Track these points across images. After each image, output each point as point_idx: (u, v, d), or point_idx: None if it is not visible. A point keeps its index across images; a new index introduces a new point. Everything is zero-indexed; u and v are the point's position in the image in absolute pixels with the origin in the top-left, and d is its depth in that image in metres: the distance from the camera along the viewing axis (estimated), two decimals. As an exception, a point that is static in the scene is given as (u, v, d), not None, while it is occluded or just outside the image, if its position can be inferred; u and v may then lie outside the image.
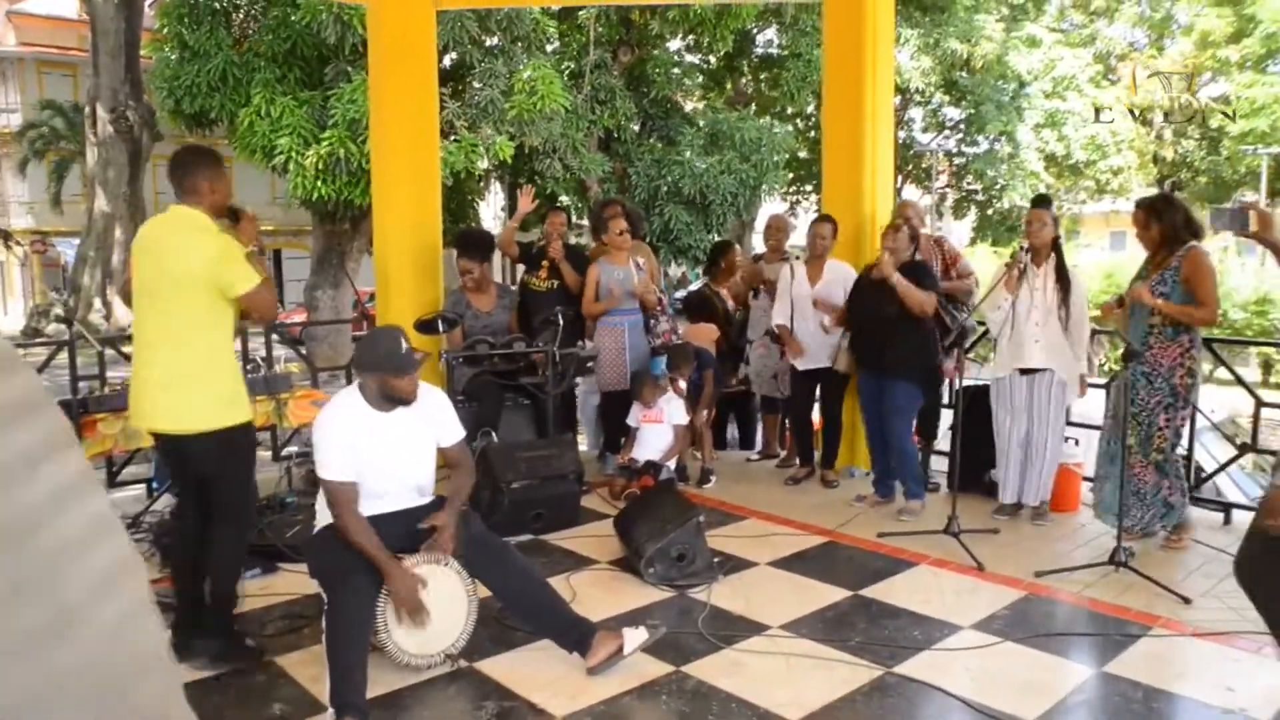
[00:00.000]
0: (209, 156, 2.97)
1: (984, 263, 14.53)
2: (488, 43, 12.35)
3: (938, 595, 3.51)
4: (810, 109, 19.61)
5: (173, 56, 11.62)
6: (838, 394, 5.05)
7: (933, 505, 4.58)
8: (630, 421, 5.05)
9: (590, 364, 5.26)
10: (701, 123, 15.79)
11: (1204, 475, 4.86)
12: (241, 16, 12.16)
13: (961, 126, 22.33)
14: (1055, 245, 4.29)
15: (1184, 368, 3.85)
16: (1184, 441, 4.18)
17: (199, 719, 0.90)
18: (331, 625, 2.62)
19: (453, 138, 11.18)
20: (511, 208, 15.18)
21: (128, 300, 3.22)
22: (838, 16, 5.35)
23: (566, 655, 2.89)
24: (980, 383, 4.79)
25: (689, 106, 17.80)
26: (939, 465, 5.20)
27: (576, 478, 4.49)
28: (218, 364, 2.90)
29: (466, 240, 5.35)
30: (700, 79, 18.38)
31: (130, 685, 0.72)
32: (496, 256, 5.69)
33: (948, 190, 25.00)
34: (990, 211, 23.05)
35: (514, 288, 5.78)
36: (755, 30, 17.84)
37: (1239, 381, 4.79)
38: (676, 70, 16.17)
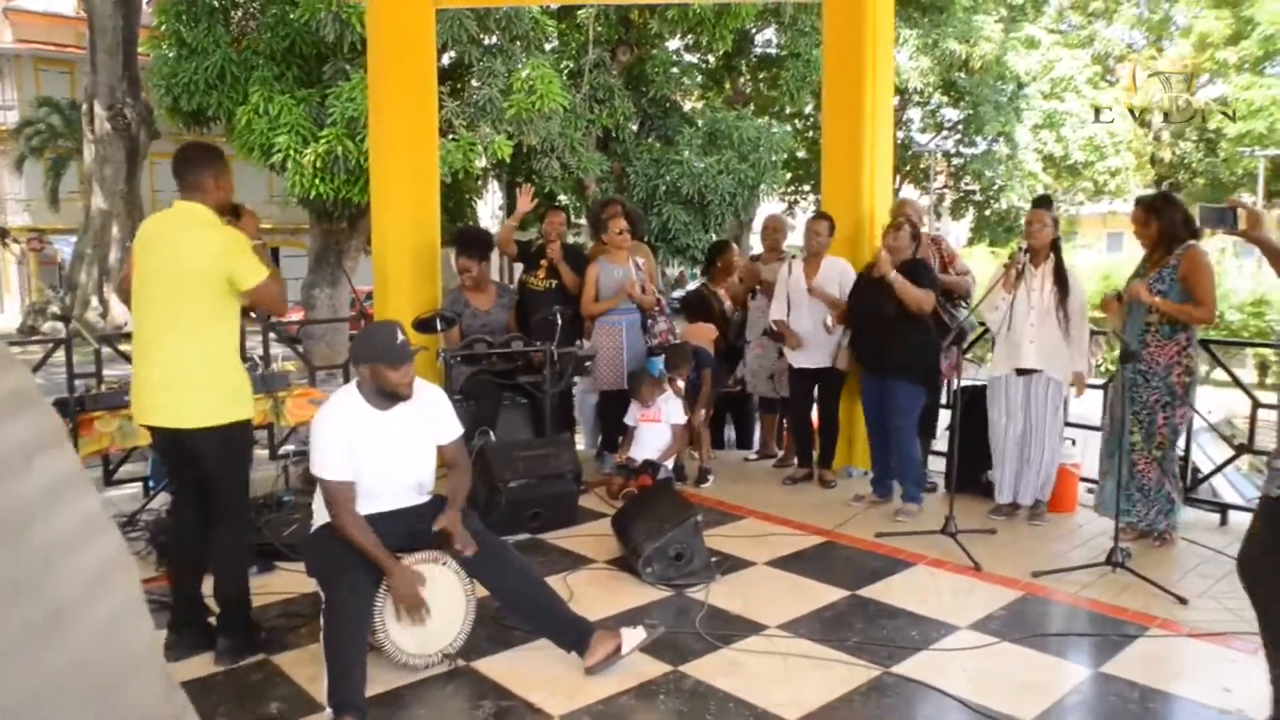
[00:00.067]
0: (214, 153, 2.98)
1: (981, 263, 14.53)
2: (486, 41, 12.34)
3: (935, 595, 3.51)
4: (809, 109, 19.60)
5: (170, 54, 11.59)
6: (835, 393, 5.05)
7: (930, 505, 4.58)
8: (628, 421, 5.05)
9: (588, 364, 5.26)
10: (700, 122, 15.79)
11: (1200, 476, 4.87)
12: (240, 14, 12.13)
13: (960, 127, 22.33)
14: (1055, 246, 4.30)
15: (1181, 365, 3.87)
16: (1181, 441, 4.18)
17: (198, 718, 0.90)
18: (329, 624, 2.61)
19: (451, 136, 11.16)
20: (509, 207, 15.18)
21: (125, 298, 3.22)
22: (838, 16, 5.35)
23: (564, 655, 2.89)
24: (978, 383, 4.79)
25: (688, 106, 17.80)
26: (936, 465, 5.20)
27: (574, 477, 4.49)
28: (223, 359, 2.90)
29: (465, 239, 5.35)
30: (699, 78, 18.38)
31: (124, 684, 0.72)
32: (494, 256, 5.68)
33: (945, 191, 25.01)
34: (988, 212, 23.06)
35: (513, 287, 5.78)
36: (754, 30, 17.83)
37: (1236, 382, 4.80)
38: (675, 70, 16.16)
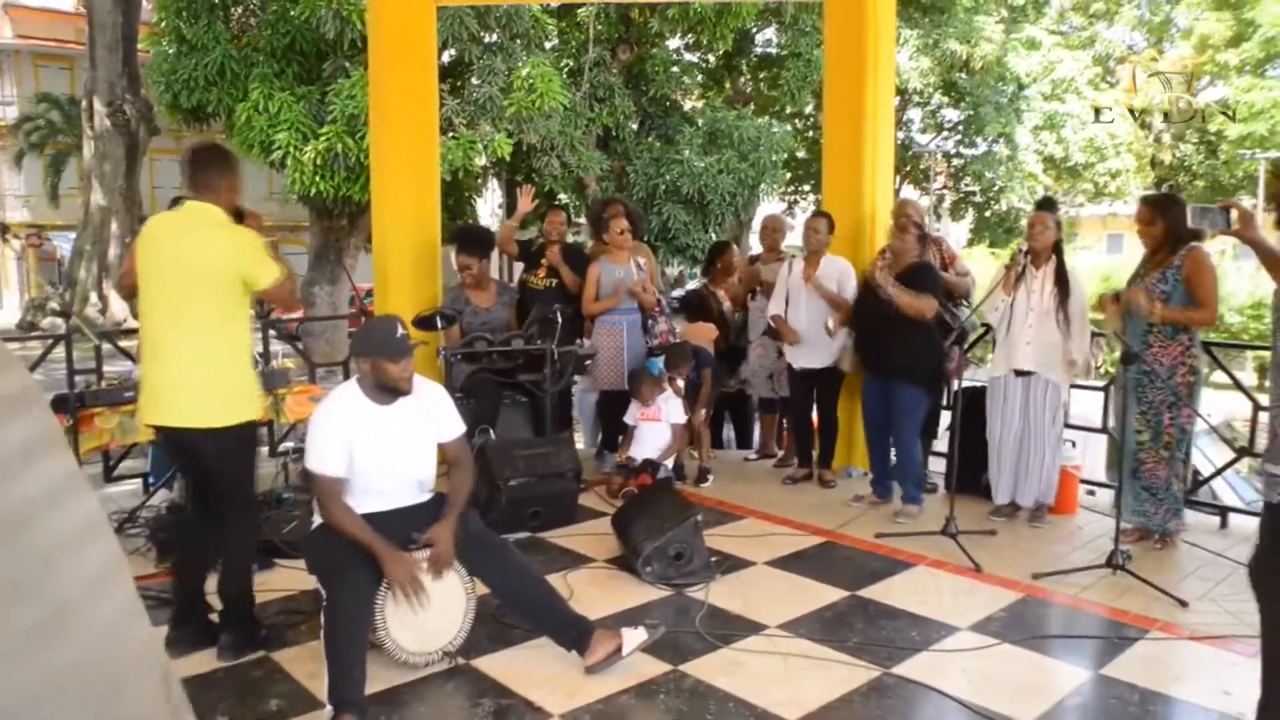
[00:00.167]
0: (226, 154, 2.99)
1: (981, 265, 14.54)
2: (487, 39, 12.35)
3: (935, 596, 3.50)
4: (809, 109, 19.61)
5: (170, 50, 11.60)
6: (835, 393, 5.05)
7: (930, 506, 4.58)
8: (628, 420, 5.04)
9: (588, 363, 5.26)
10: (700, 122, 15.80)
11: (1200, 479, 4.87)
12: (240, 11, 12.14)
13: (960, 128, 22.33)
14: (1056, 249, 4.28)
15: (1185, 366, 3.86)
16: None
17: (197, 717, 0.89)
18: (330, 621, 2.61)
19: (451, 134, 11.17)
20: (509, 205, 15.19)
21: (124, 294, 3.21)
22: (839, 16, 5.34)
23: (564, 653, 2.88)
24: (978, 384, 4.79)
25: (688, 105, 17.81)
26: (937, 466, 5.19)
27: (574, 475, 4.48)
28: (234, 359, 2.90)
29: (465, 237, 5.35)
30: (699, 78, 18.38)
31: (126, 684, 0.71)
32: (494, 254, 5.68)
33: (945, 191, 25.00)
34: (988, 213, 23.04)
35: (513, 285, 5.77)
36: (755, 29, 17.84)
37: (1236, 385, 4.80)
38: (675, 69, 16.16)
